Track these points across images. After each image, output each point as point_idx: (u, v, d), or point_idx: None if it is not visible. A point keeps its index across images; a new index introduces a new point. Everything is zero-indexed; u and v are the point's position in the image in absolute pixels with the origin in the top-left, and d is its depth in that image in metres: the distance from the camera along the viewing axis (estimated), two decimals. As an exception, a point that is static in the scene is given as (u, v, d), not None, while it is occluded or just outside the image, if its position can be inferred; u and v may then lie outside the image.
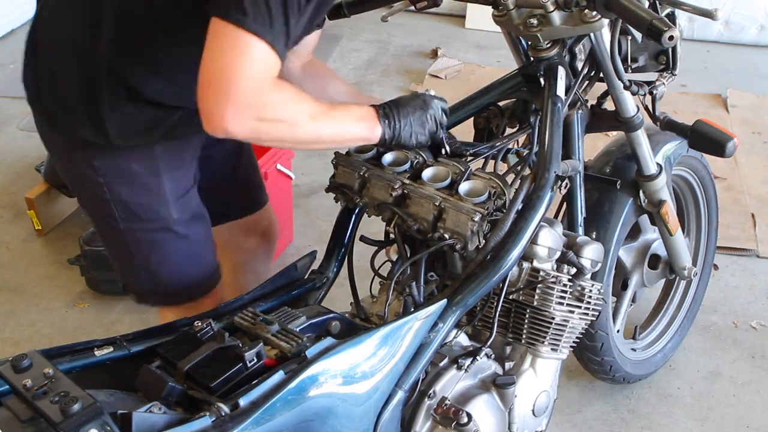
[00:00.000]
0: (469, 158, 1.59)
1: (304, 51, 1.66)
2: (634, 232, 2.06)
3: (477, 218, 1.42)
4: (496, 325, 1.51)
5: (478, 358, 1.49)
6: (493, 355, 1.56)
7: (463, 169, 1.50)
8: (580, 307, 1.57)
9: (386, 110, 1.45)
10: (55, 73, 1.46)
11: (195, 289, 1.63)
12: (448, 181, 1.49)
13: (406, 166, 1.54)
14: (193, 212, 1.60)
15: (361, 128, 1.42)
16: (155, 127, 1.45)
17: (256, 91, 1.23)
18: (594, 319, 1.62)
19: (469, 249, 1.43)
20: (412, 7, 1.75)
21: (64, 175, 1.62)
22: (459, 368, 1.48)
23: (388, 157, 1.57)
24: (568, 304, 1.56)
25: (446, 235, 1.44)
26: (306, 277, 1.63)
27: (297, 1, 1.24)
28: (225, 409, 1.13)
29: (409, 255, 1.58)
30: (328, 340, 1.28)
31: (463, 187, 1.47)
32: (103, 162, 1.48)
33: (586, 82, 1.71)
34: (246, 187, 1.86)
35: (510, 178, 1.54)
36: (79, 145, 1.48)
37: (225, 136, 1.25)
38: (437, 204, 1.46)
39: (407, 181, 1.52)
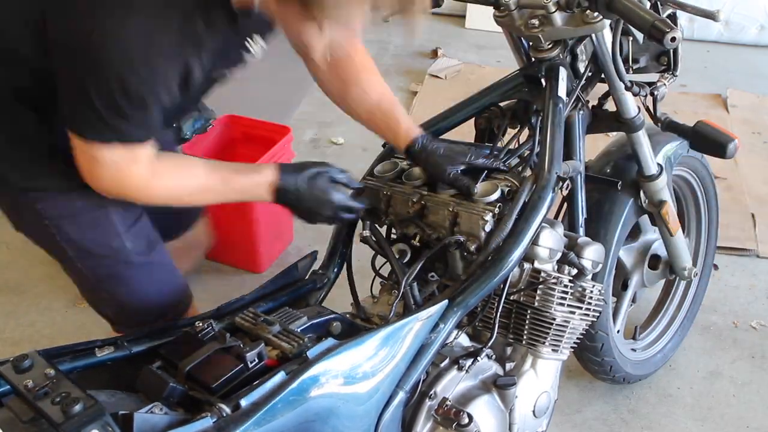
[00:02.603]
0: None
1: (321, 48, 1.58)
2: (635, 232, 2.06)
3: (488, 217, 1.43)
4: (497, 325, 1.51)
5: (478, 358, 1.49)
6: (493, 356, 1.56)
7: (479, 174, 1.53)
8: (580, 308, 1.57)
9: (291, 176, 1.46)
10: None
11: (170, 312, 1.60)
12: None
13: (425, 178, 1.57)
14: (148, 239, 1.56)
15: (249, 194, 1.48)
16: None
17: (125, 188, 1.34)
18: (595, 319, 1.62)
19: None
20: (413, 8, 1.74)
21: (17, 228, 1.59)
22: (460, 369, 1.48)
23: (408, 173, 1.60)
24: (568, 305, 1.56)
25: (461, 238, 1.46)
26: (307, 277, 1.63)
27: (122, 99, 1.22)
28: (226, 409, 1.14)
29: (411, 257, 1.59)
30: (330, 341, 1.28)
31: (475, 189, 1.49)
32: (46, 204, 1.45)
33: (588, 82, 1.71)
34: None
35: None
36: (19, 193, 1.45)
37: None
38: (451, 209, 1.48)
39: (425, 192, 1.54)
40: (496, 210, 1.45)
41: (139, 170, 1.32)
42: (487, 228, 1.44)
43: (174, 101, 1.30)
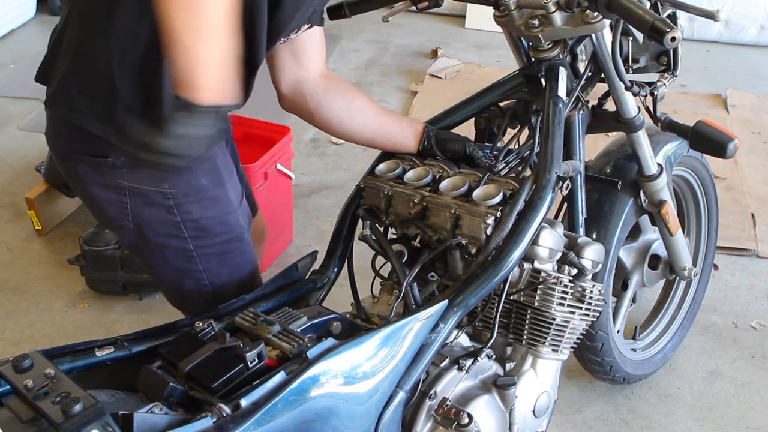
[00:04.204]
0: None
1: (318, 55, 1.61)
2: (635, 232, 2.06)
3: (490, 221, 1.44)
4: (496, 325, 1.51)
5: (479, 358, 1.50)
6: (493, 356, 1.56)
7: (482, 176, 1.53)
8: (580, 308, 1.58)
9: None
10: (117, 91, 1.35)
11: (248, 290, 1.57)
12: (464, 189, 1.52)
13: (428, 179, 1.57)
14: (249, 217, 1.59)
15: None
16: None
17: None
18: (595, 319, 1.63)
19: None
20: (413, 8, 1.75)
21: (104, 210, 1.48)
22: (460, 369, 1.48)
23: (410, 174, 1.60)
24: (568, 305, 1.56)
25: (463, 241, 1.46)
26: (307, 277, 1.63)
27: None
28: (226, 409, 1.13)
29: (409, 257, 1.59)
30: (330, 341, 1.28)
31: (477, 192, 1.50)
32: (174, 183, 1.41)
33: (588, 82, 1.71)
34: (248, 193, 1.85)
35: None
36: (142, 171, 1.39)
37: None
38: (453, 211, 1.48)
39: (426, 194, 1.54)
40: (498, 213, 1.45)
41: None
42: (489, 231, 1.45)
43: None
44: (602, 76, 1.71)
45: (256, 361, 1.24)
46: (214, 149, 1.44)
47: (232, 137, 1.71)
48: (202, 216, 1.47)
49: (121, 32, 1.32)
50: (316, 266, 1.67)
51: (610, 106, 1.82)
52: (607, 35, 1.62)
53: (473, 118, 1.76)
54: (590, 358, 2.08)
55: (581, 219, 1.72)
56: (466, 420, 1.41)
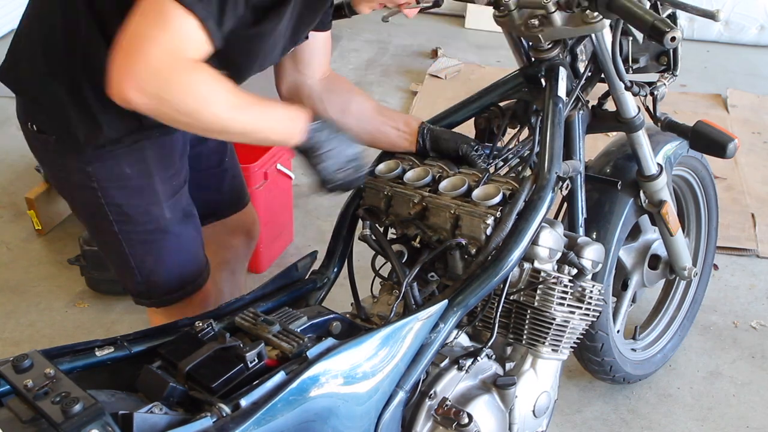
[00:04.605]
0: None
1: (319, 61, 1.64)
2: (635, 232, 2.06)
3: (489, 221, 1.44)
4: (496, 325, 1.51)
5: (478, 358, 1.49)
6: (493, 356, 1.56)
7: (482, 176, 1.53)
8: (580, 308, 1.57)
9: (323, 123, 1.40)
10: (37, 70, 1.44)
11: (189, 285, 1.64)
12: (464, 189, 1.52)
13: (427, 179, 1.57)
14: (184, 211, 1.60)
15: (281, 126, 1.36)
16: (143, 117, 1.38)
17: (164, 65, 1.19)
18: (594, 319, 1.62)
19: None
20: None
21: (56, 184, 1.62)
22: (460, 369, 1.48)
23: (410, 174, 1.60)
24: (568, 305, 1.56)
25: (463, 241, 1.46)
26: (307, 277, 1.63)
27: None
28: (226, 409, 1.13)
29: (409, 257, 1.59)
30: (330, 341, 1.28)
31: (477, 192, 1.50)
32: (96, 167, 1.47)
33: (588, 82, 1.71)
34: (232, 185, 1.86)
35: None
36: (72, 151, 1.47)
37: (123, 104, 1.22)
38: (453, 212, 1.48)
39: (426, 194, 1.54)
40: (498, 213, 1.45)
41: (191, 60, 1.22)
42: (489, 231, 1.45)
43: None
44: (602, 76, 1.71)
45: (256, 361, 1.24)
46: (142, 141, 1.47)
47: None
48: (124, 203, 1.51)
49: (57, 21, 1.40)
50: (316, 266, 1.67)
51: (610, 106, 1.82)
52: (607, 35, 1.62)
53: (473, 118, 1.76)
54: (590, 358, 2.08)
55: (581, 219, 1.72)
56: (466, 420, 1.41)
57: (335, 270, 1.66)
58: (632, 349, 2.23)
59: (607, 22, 1.48)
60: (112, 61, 1.20)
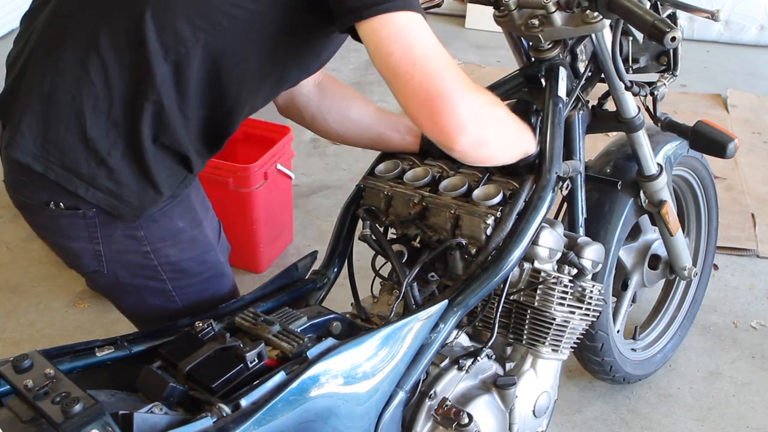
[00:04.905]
0: None
1: None
2: (635, 232, 2.06)
3: (490, 221, 1.44)
4: (496, 325, 1.51)
5: (478, 358, 1.49)
6: (493, 356, 1.56)
7: (482, 175, 1.53)
8: (580, 308, 1.58)
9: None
10: (72, 135, 1.27)
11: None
12: (464, 189, 1.52)
13: (427, 179, 1.57)
14: (227, 248, 1.57)
15: (528, 140, 1.46)
16: (193, 163, 1.36)
17: (470, 98, 1.23)
18: (595, 319, 1.63)
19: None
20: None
21: (78, 258, 1.41)
22: (460, 369, 1.48)
23: (409, 174, 1.59)
24: (568, 305, 1.56)
25: (463, 241, 1.46)
26: (307, 277, 1.63)
27: None
28: (226, 409, 1.13)
29: (409, 257, 1.59)
30: (330, 341, 1.28)
31: (477, 192, 1.49)
32: (149, 229, 1.37)
33: (588, 82, 1.71)
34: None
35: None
36: (117, 221, 1.35)
37: (455, 154, 1.27)
38: (453, 212, 1.48)
39: (426, 194, 1.54)
40: (498, 213, 1.45)
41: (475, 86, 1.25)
42: (489, 231, 1.45)
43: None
44: (602, 76, 1.70)
45: (256, 361, 1.24)
46: (188, 189, 1.40)
47: None
48: (180, 258, 1.44)
49: (97, 82, 1.25)
50: (316, 266, 1.67)
51: (610, 106, 1.82)
52: (607, 35, 1.62)
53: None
54: (590, 358, 2.08)
55: (581, 219, 1.72)
56: (466, 420, 1.41)
57: (335, 270, 1.66)
58: (632, 349, 2.23)
59: (607, 22, 1.48)
60: (420, 116, 1.23)
